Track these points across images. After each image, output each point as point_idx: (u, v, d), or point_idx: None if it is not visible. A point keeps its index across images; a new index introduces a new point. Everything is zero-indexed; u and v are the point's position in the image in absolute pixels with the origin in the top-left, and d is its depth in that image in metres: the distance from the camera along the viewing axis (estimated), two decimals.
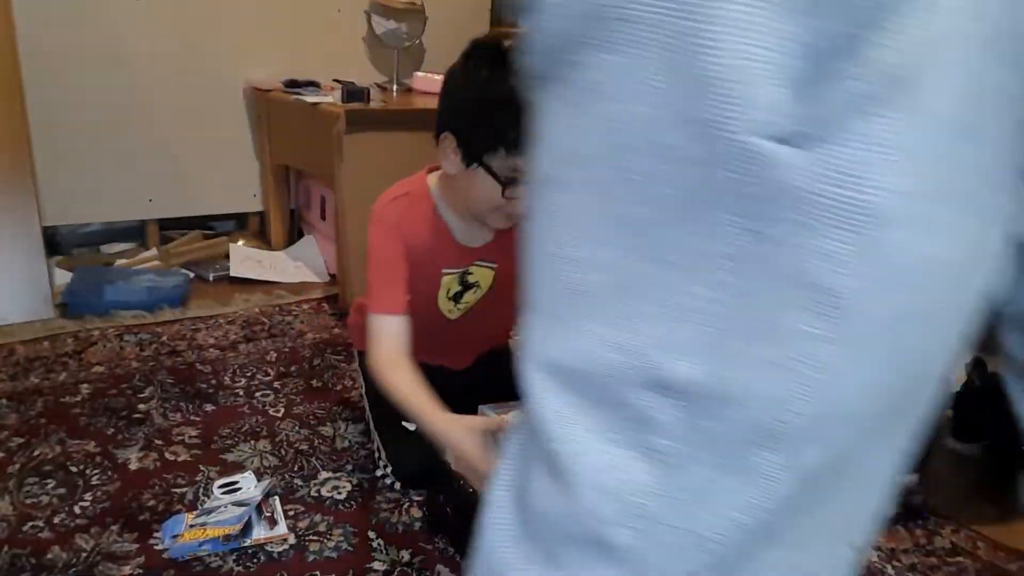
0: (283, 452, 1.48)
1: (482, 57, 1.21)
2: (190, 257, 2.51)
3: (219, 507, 1.26)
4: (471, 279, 1.42)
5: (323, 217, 2.59)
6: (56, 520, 1.23)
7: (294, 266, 2.56)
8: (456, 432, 1.15)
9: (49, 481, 1.33)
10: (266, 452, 1.48)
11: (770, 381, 0.36)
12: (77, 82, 2.34)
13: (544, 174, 0.41)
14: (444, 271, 1.39)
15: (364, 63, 2.91)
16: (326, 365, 1.89)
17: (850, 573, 0.45)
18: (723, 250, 0.35)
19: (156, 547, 1.19)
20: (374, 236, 1.34)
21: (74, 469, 1.37)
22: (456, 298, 1.43)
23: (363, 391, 1.53)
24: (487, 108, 1.17)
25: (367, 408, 1.50)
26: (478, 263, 1.41)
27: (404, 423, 1.39)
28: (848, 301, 0.34)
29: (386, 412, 1.44)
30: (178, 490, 1.34)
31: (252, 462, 1.44)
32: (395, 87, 2.69)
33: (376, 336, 1.31)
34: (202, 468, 1.41)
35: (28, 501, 1.28)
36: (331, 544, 1.23)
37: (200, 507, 1.29)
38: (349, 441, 1.54)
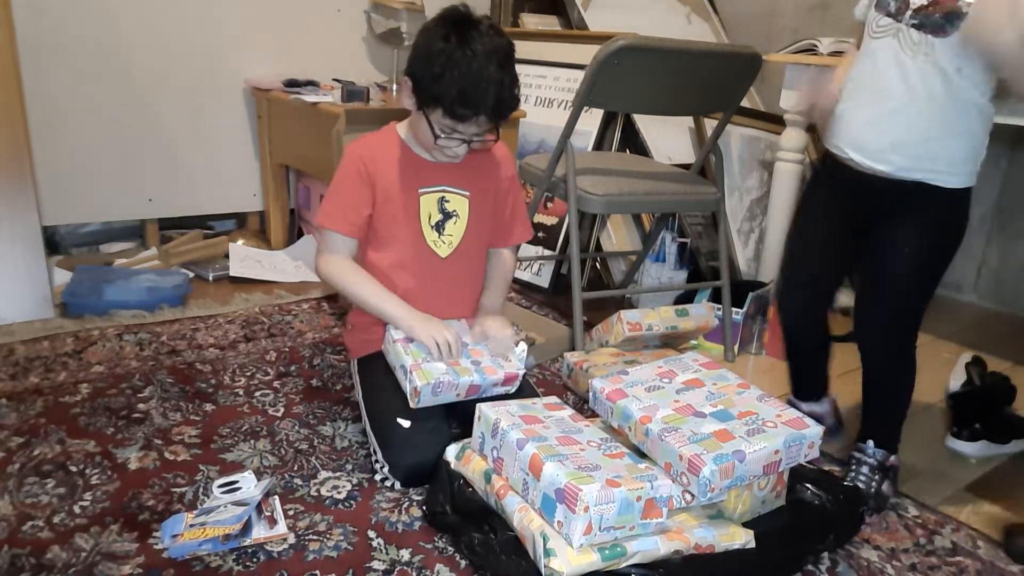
0: (283, 452, 1.48)
1: (447, 24, 1.33)
2: (190, 257, 2.52)
3: (219, 506, 1.26)
4: (449, 207, 1.51)
5: None
6: (56, 520, 1.23)
7: (294, 266, 2.56)
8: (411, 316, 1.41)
9: (49, 481, 1.33)
10: (266, 452, 1.48)
11: None
12: (77, 82, 2.34)
13: None
14: (420, 190, 1.48)
15: (364, 63, 2.91)
16: (325, 364, 1.89)
17: None
18: None
19: (156, 547, 1.19)
20: (339, 166, 1.47)
21: (74, 469, 1.37)
22: (439, 228, 1.50)
23: (360, 395, 1.54)
24: (436, 72, 1.31)
25: (363, 411, 1.50)
26: (450, 188, 1.50)
27: (399, 420, 1.40)
28: None
29: (381, 413, 1.45)
30: (178, 490, 1.34)
31: (252, 461, 1.44)
32: (394, 87, 2.70)
33: (323, 247, 1.47)
34: (202, 468, 1.41)
35: (28, 501, 1.28)
36: (331, 543, 1.23)
37: (200, 507, 1.29)
38: (349, 440, 1.54)
